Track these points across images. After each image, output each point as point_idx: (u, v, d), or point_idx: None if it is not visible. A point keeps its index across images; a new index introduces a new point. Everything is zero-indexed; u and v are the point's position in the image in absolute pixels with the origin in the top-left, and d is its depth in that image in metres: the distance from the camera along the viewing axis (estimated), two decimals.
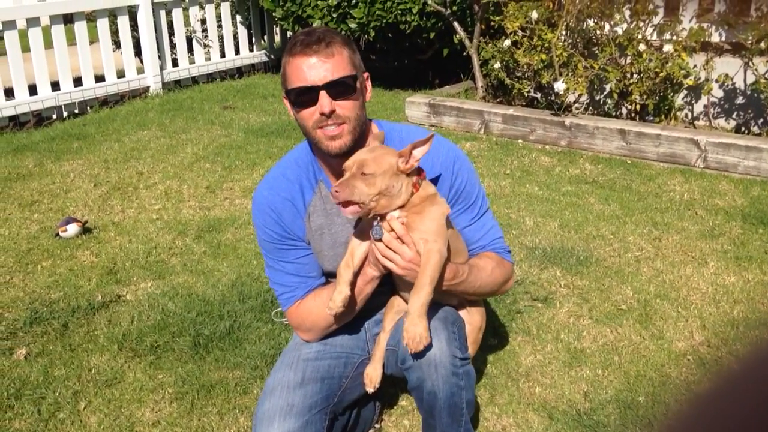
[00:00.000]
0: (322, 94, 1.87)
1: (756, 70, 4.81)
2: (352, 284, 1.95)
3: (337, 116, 1.88)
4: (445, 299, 2.05)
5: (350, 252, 1.95)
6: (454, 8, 6.20)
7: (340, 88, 1.88)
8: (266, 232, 2.09)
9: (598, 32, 5.37)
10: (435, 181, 2.04)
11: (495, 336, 2.85)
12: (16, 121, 6.17)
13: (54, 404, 2.51)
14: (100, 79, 6.75)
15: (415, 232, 1.86)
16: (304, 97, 1.89)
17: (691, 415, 0.39)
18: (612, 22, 5.24)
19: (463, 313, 2.12)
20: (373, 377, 2.10)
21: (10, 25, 5.96)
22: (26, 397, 2.55)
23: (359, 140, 1.97)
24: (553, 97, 5.38)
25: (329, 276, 2.15)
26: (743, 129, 5.17)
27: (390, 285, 2.09)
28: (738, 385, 0.38)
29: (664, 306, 3.06)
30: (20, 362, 2.77)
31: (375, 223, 1.88)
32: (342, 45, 1.91)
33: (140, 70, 7.13)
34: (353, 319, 2.10)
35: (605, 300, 3.12)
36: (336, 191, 1.77)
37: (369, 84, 2.02)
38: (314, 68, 1.86)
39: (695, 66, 5.09)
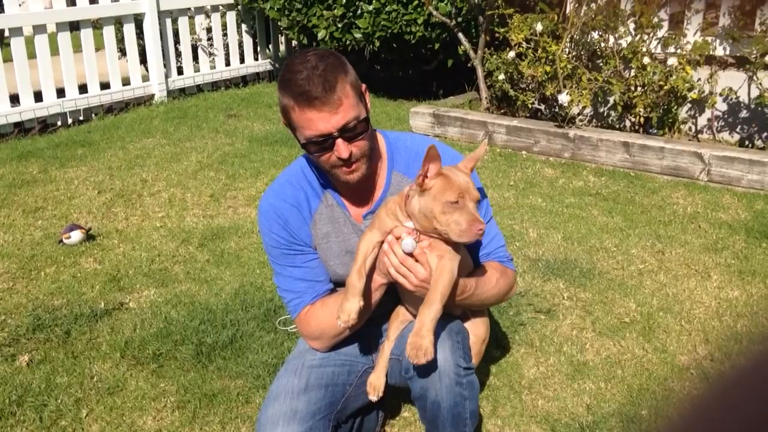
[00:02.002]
0: (339, 141, 1.86)
1: (760, 84, 4.82)
2: (364, 293, 1.93)
3: (354, 155, 1.90)
4: (449, 309, 2.05)
5: (362, 259, 1.92)
6: (459, 19, 6.22)
7: (354, 132, 1.88)
8: (273, 238, 2.10)
9: (602, 45, 5.38)
10: None
11: (498, 348, 2.85)
12: (21, 128, 6.18)
13: (56, 411, 2.51)
14: (105, 86, 6.78)
15: (433, 249, 1.87)
16: (320, 145, 1.89)
17: (687, 420, 0.40)
18: (616, 35, 5.26)
19: (467, 324, 2.12)
20: (376, 386, 2.10)
21: (17, 31, 5.99)
22: (28, 404, 2.55)
23: (372, 161, 2.01)
24: (557, 109, 5.39)
25: (336, 284, 2.15)
26: (747, 143, 5.17)
27: (395, 294, 2.09)
28: (733, 391, 0.39)
29: (668, 319, 3.05)
30: (23, 369, 2.77)
31: (404, 236, 1.88)
32: (344, 80, 1.86)
33: (145, 78, 7.16)
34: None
35: (608, 313, 3.12)
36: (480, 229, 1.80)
37: (368, 96, 2.02)
38: (325, 119, 1.84)
39: (699, 79, 5.10)
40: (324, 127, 1.85)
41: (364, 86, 2.00)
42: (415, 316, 2.07)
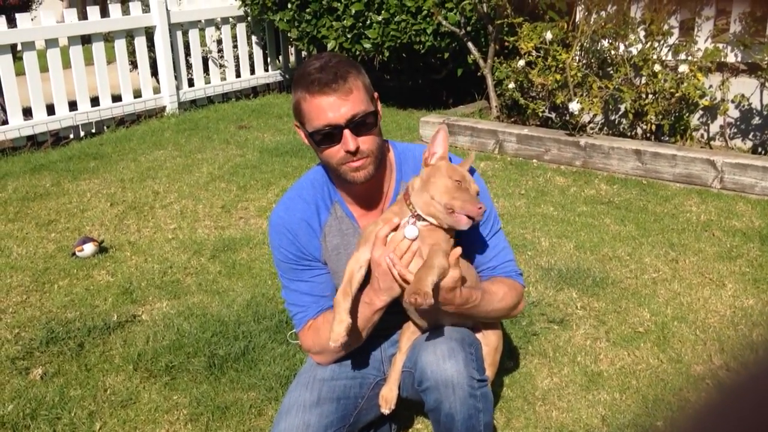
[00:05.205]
0: (346, 132, 1.88)
1: None
2: (353, 312, 1.92)
3: (361, 152, 1.91)
4: (460, 320, 2.04)
5: (348, 279, 1.92)
6: (469, 29, 6.23)
7: (362, 125, 1.90)
8: (282, 253, 2.11)
9: (612, 52, 5.37)
10: None
11: (511, 358, 2.83)
12: (34, 141, 6.23)
13: (70, 425, 2.51)
14: (117, 98, 6.82)
15: (426, 240, 1.87)
16: (328, 136, 1.90)
17: (688, 428, 0.39)
18: (626, 43, 5.25)
19: (478, 334, 2.11)
20: (388, 398, 2.09)
21: (29, 45, 6.04)
22: (42, 417, 2.55)
23: (380, 166, 2.00)
24: (567, 117, 5.38)
25: None
26: (760, 149, 5.14)
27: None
28: (735, 397, 0.38)
29: (682, 329, 3.03)
30: (36, 382, 2.77)
31: (410, 222, 1.90)
32: (356, 76, 1.92)
33: (156, 90, 7.20)
34: (368, 339, 2.10)
35: (622, 322, 3.09)
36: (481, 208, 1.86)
37: (378, 105, 2.04)
38: (335, 107, 1.87)
39: (711, 86, 5.08)
40: (333, 116, 1.87)
41: (376, 93, 2.01)
42: (422, 330, 2.06)
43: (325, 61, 1.91)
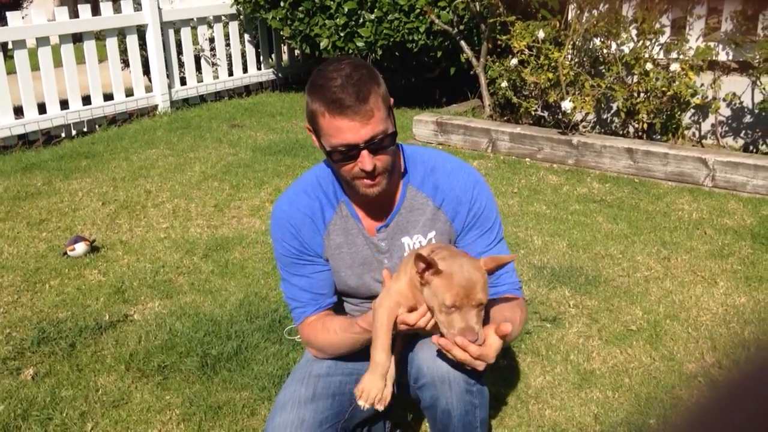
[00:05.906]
0: (364, 153, 1.85)
1: (764, 89, 4.81)
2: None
3: (377, 169, 1.88)
4: None
5: (387, 336, 1.82)
6: (461, 27, 6.23)
7: (380, 146, 1.88)
8: (284, 246, 2.10)
9: (604, 51, 5.38)
10: (454, 203, 2.04)
11: (504, 357, 2.83)
12: (26, 140, 6.20)
13: (61, 425, 2.50)
14: (108, 97, 6.79)
15: None
16: (345, 155, 1.88)
17: (681, 426, 0.39)
18: (618, 41, 5.26)
19: None
20: (383, 395, 2.09)
21: (20, 44, 6.01)
22: (33, 417, 2.54)
23: (392, 177, 1.99)
24: (560, 116, 5.39)
25: (344, 294, 2.15)
26: (751, 148, 5.16)
27: None
28: (734, 396, 0.38)
29: (674, 327, 3.04)
30: (27, 382, 2.76)
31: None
32: (377, 93, 1.86)
33: (148, 89, 7.17)
34: None
35: (615, 320, 3.10)
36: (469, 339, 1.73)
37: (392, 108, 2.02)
38: (355, 130, 1.82)
39: (702, 85, 5.09)
40: (352, 137, 1.83)
41: (391, 100, 1.99)
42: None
43: (346, 76, 1.83)
